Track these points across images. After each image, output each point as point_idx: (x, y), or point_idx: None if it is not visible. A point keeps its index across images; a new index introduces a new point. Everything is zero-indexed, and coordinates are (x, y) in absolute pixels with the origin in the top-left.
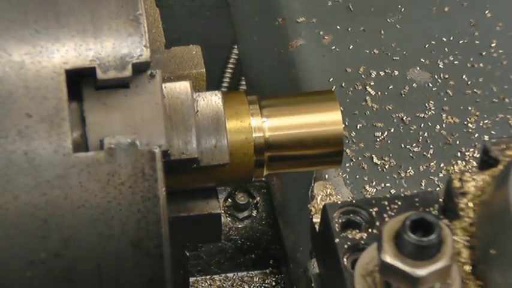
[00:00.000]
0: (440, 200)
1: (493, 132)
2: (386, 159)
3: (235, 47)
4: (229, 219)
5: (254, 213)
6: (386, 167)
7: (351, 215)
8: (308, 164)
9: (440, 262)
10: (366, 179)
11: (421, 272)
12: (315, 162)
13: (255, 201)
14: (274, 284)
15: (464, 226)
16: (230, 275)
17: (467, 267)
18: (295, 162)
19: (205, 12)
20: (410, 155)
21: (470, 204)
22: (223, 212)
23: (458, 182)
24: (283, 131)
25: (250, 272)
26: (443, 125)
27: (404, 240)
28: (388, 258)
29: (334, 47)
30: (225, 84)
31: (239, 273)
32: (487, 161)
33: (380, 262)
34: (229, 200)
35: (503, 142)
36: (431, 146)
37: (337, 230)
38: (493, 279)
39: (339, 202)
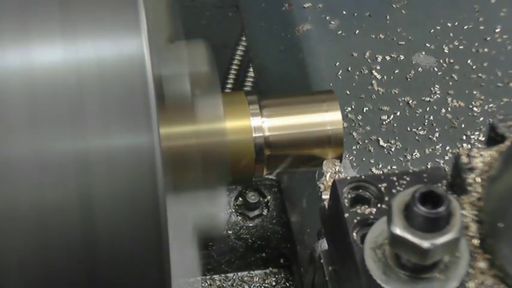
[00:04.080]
0: (448, 176)
1: (497, 115)
2: (392, 142)
3: (238, 48)
4: (240, 218)
5: (265, 212)
6: (393, 149)
7: (360, 190)
8: (308, 164)
9: (449, 234)
10: (373, 161)
11: (430, 243)
12: (315, 162)
13: (266, 200)
14: (274, 284)
15: (472, 201)
16: (230, 275)
17: (476, 241)
18: (295, 162)
19: (206, 12)
20: (416, 138)
21: (478, 180)
22: (233, 210)
23: (466, 158)
24: (283, 131)
25: (250, 272)
26: (449, 109)
27: (414, 212)
28: (398, 230)
29: (340, 32)
30: (229, 86)
31: (239, 273)
32: (494, 138)
33: (390, 234)
34: (240, 198)
35: (510, 119)
36: (436, 129)
37: (347, 205)
38: (501, 252)
39: (348, 178)
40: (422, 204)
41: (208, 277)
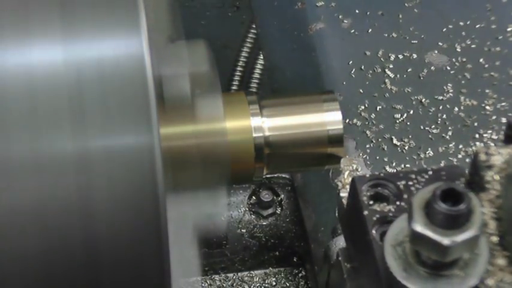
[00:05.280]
0: (467, 173)
1: (510, 114)
2: (405, 140)
3: (243, 49)
4: (253, 216)
5: (278, 210)
6: (406, 148)
7: (379, 188)
8: (308, 164)
9: (470, 231)
10: (386, 160)
11: (451, 240)
12: (315, 162)
13: (279, 198)
14: (274, 283)
15: (491, 198)
16: (230, 275)
17: (495, 238)
18: (295, 162)
19: (206, 12)
20: (429, 136)
21: (496, 177)
22: (247, 209)
23: (484, 156)
24: (283, 131)
25: (250, 272)
26: (461, 107)
27: (435, 209)
28: (419, 228)
29: (353, 31)
30: (234, 88)
31: (239, 273)
32: (511, 136)
33: (411, 231)
34: (254, 197)
35: None
36: (449, 128)
37: (366, 202)
38: None
39: (367, 175)
40: (442, 202)
41: (208, 277)
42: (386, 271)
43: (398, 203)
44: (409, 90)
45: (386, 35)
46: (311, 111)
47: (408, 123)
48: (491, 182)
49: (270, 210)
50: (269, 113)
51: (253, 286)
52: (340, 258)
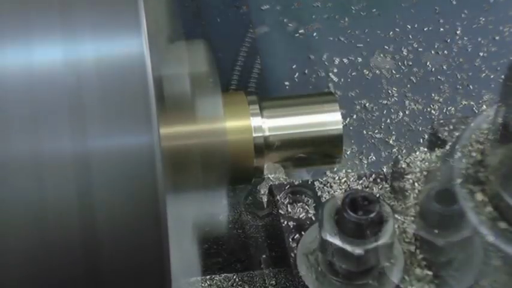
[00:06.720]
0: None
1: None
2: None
3: (242, 49)
4: (249, 216)
5: (275, 210)
6: (348, 153)
7: (297, 195)
8: (308, 164)
9: (381, 240)
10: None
11: (361, 249)
12: (314, 162)
13: (276, 199)
14: (274, 284)
15: (410, 206)
16: (230, 275)
17: (412, 247)
18: (295, 163)
19: (206, 12)
20: (372, 141)
21: (416, 184)
22: (243, 209)
23: (404, 163)
24: (283, 131)
25: (250, 272)
26: (406, 112)
27: (344, 218)
28: (328, 236)
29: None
30: (232, 87)
31: (239, 273)
32: (434, 142)
33: (320, 240)
34: (250, 198)
35: (450, 123)
36: (393, 133)
37: (283, 211)
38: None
39: (284, 183)
40: (355, 210)
41: (208, 277)
42: (298, 280)
43: (316, 210)
44: (353, 94)
45: (331, 38)
46: (311, 111)
47: (351, 128)
48: (411, 190)
49: (266, 211)
50: (269, 113)
51: (253, 286)
52: None
